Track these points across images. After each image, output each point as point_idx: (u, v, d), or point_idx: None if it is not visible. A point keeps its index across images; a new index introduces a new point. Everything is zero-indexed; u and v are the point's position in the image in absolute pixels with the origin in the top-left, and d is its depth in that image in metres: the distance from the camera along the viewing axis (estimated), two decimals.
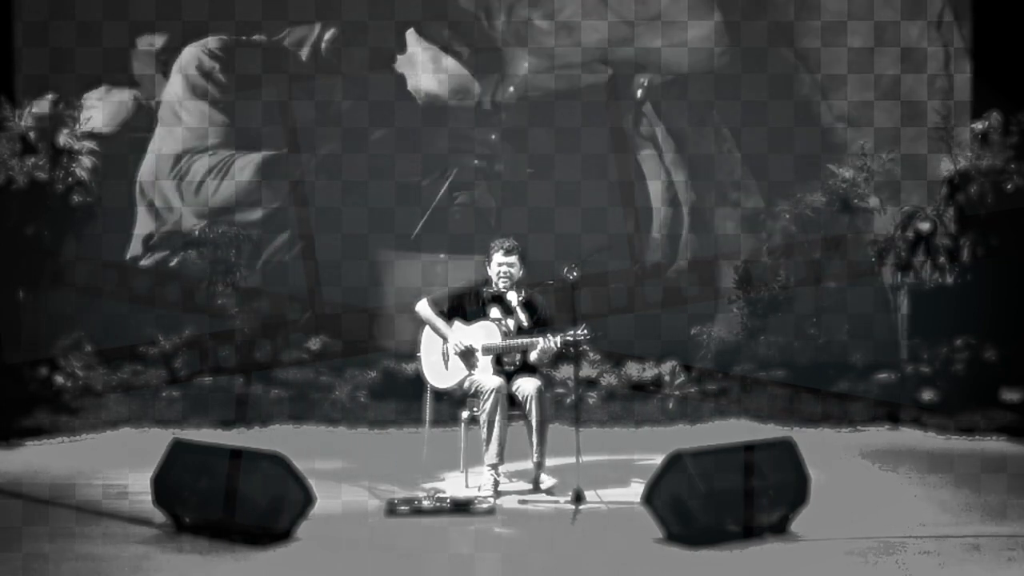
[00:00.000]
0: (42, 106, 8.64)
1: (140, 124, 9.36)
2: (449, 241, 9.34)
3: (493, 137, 9.47)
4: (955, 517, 5.58)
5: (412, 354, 6.61)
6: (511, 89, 9.39)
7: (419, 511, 5.57)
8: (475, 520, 5.50)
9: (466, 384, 6.25)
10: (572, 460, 5.76)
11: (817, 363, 8.86)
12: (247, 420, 8.26)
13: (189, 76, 9.36)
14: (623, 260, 9.38)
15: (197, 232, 9.00)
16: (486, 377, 6.17)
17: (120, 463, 6.85)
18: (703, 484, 4.88)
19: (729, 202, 9.48)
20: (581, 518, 5.53)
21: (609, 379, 8.68)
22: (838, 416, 8.42)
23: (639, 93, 9.45)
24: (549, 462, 6.13)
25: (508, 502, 5.87)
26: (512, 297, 6.31)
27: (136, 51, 9.34)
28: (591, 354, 8.65)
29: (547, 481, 6.08)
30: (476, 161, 9.45)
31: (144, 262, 9.27)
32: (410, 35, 9.43)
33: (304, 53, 9.44)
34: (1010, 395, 8.27)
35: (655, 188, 9.50)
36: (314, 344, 8.86)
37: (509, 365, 6.29)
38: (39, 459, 7.14)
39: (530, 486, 6.16)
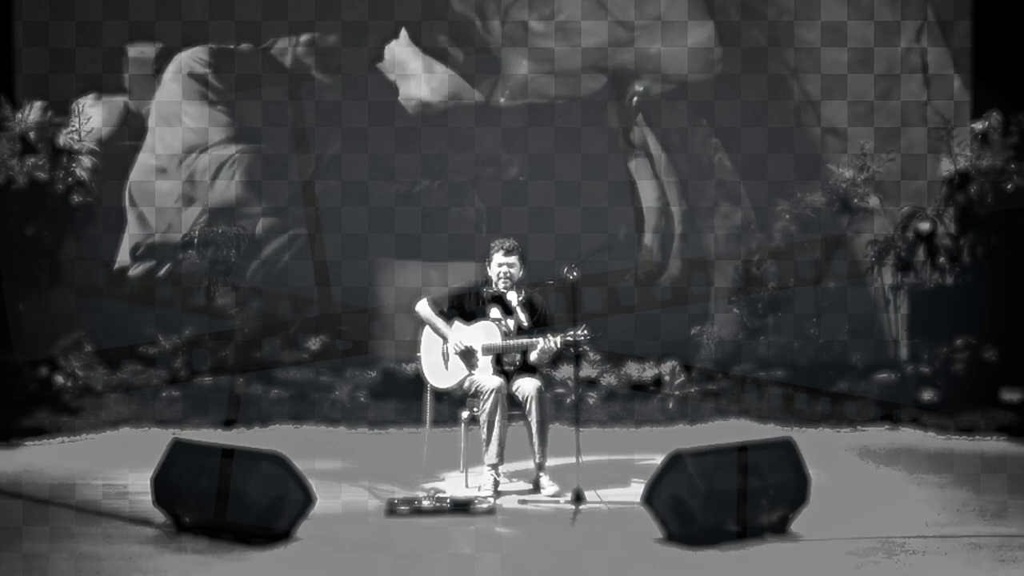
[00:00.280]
0: (34, 112, 8.66)
1: (130, 131, 9.32)
2: (448, 242, 9.34)
3: (490, 139, 9.46)
4: (955, 517, 5.58)
5: (409, 358, 6.60)
6: (507, 92, 9.37)
7: (419, 511, 5.57)
8: (475, 520, 5.50)
9: (466, 384, 6.25)
10: (572, 460, 5.76)
11: (817, 363, 8.86)
12: (241, 420, 8.24)
13: (182, 79, 9.34)
14: (623, 260, 9.38)
15: (197, 232, 9.00)
16: (486, 377, 6.17)
17: (120, 463, 6.85)
18: (703, 484, 4.87)
19: (719, 213, 9.46)
20: (581, 518, 5.53)
21: (609, 379, 8.68)
22: (838, 416, 8.42)
23: (634, 101, 9.45)
24: (549, 462, 6.13)
25: (508, 502, 5.87)
26: (512, 297, 6.31)
27: (127, 59, 9.31)
28: (591, 354, 8.64)
29: (549, 488, 6.05)
30: (473, 163, 9.45)
31: (132, 272, 9.25)
32: (400, 42, 9.41)
33: (287, 61, 9.43)
34: (1010, 395, 8.27)
35: (647, 194, 9.50)
36: (314, 344, 8.86)
37: (509, 365, 6.29)
38: (39, 459, 7.13)
39: (530, 486, 6.16)
